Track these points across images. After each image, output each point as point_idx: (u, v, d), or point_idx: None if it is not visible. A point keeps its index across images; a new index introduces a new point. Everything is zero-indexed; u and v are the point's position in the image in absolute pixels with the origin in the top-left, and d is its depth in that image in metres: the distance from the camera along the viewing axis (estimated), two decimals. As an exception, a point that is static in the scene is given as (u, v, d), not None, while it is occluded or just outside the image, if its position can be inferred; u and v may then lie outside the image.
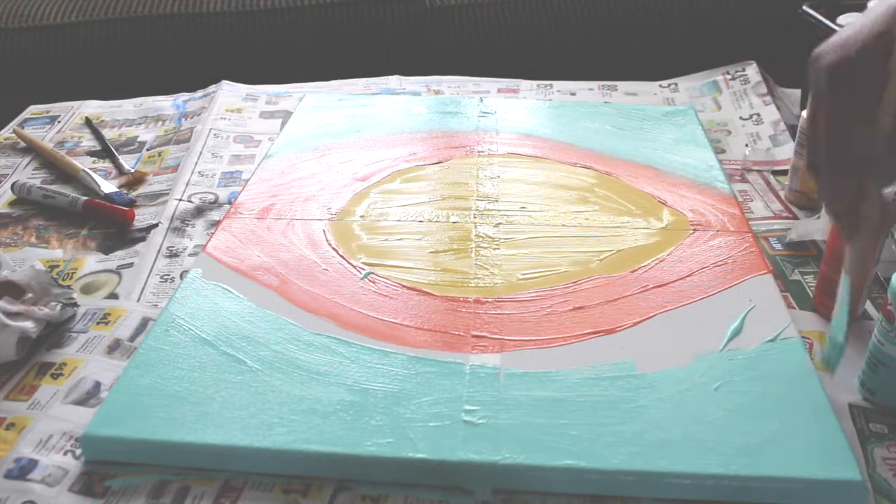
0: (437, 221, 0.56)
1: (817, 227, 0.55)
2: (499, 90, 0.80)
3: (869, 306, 0.48)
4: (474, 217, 0.57)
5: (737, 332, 0.44)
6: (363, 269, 0.51)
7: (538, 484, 0.36)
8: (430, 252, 0.52)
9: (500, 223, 0.56)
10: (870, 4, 0.65)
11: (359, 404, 0.39)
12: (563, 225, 0.56)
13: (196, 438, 0.37)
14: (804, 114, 0.57)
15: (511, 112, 0.73)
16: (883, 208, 0.36)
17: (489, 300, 0.48)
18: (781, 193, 0.61)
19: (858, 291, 0.39)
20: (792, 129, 0.67)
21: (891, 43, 0.32)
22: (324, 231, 0.55)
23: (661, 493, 0.36)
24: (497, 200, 0.59)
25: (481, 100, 0.75)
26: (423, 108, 0.73)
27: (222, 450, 0.37)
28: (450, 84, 0.81)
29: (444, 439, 0.37)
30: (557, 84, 0.80)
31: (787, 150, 0.66)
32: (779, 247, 0.55)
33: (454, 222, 0.56)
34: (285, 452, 0.37)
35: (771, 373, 0.41)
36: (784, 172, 0.63)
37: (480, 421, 0.38)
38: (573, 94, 0.79)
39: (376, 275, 0.50)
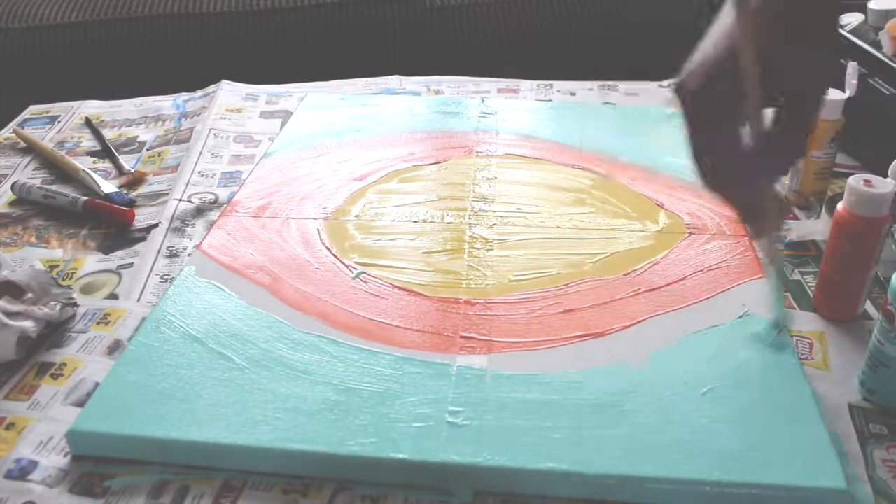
0: (431, 222, 0.56)
1: (817, 227, 0.55)
2: (499, 90, 0.80)
3: (869, 306, 0.47)
4: (469, 218, 0.56)
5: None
6: (355, 269, 0.51)
7: (519, 486, 0.36)
8: (423, 252, 0.52)
9: (494, 224, 0.56)
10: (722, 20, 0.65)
11: (344, 404, 0.39)
12: (558, 227, 0.55)
13: (181, 435, 0.37)
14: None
15: (512, 113, 0.73)
16: (779, 200, 0.40)
17: (479, 301, 0.47)
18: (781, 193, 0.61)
19: (780, 275, 0.44)
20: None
21: (734, 63, 0.34)
22: (318, 230, 0.55)
23: (643, 498, 0.36)
24: (493, 201, 0.59)
25: (482, 100, 0.75)
26: (423, 108, 0.74)
27: (206, 447, 0.37)
28: (450, 84, 0.81)
29: (426, 440, 0.37)
30: (557, 84, 0.80)
31: (787, 152, 0.65)
32: (779, 247, 0.54)
33: (449, 223, 0.56)
34: (269, 450, 0.37)
35: (760, 378, 0.41)
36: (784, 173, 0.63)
37: (464, 422, 0.38)
38: (573, 94, 0.79)
39: (368, 274, 0.50)
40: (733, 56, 0.34)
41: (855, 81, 0.61)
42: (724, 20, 0.36)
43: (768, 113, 0.36)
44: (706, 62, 0.35)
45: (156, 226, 0.58)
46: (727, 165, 0.37)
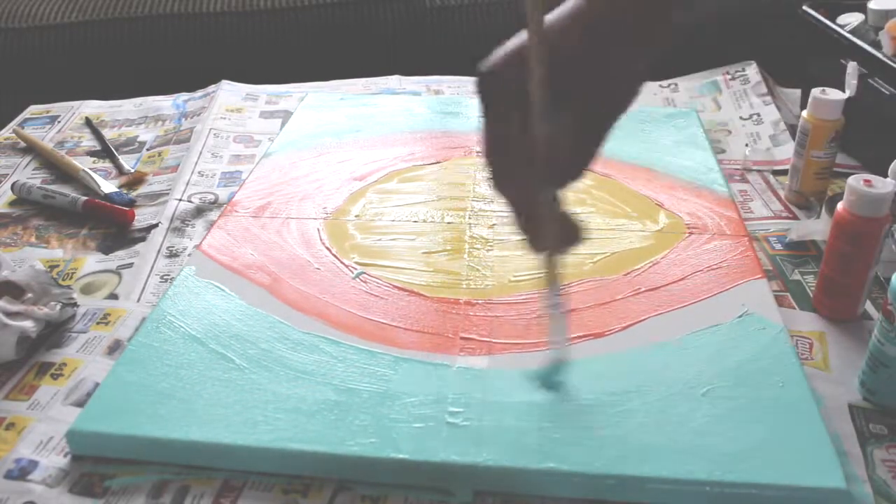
0: (431, 222, 0.56)
1: (817, 227, 0.55)
2: (499, 90, 0.80)
3: (869, 306, 0.47)
4: (469, 218, 0.56)
5: None
6: (355, 269, 0.51)
7: (519, 486, 0.36)
8: (423, 252, 0.52)
9: (494, 224, 0.56)
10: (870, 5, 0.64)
11: (344, 404, 0.39)
12: (558, 226, 0.55)
13: (180, 435, 0.37)
14: (804, 114, 0.57)
15: (510, 112, 0.72)
16: (558, 215, 0.35)
17: (480, 302, 0.47)
18: (781, 193, 0.61)
19: (556, 298, 0.38)
20: (792, 129, 0.67)
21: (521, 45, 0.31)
22: (318, 230, 0.55)
23: (643, 498, 0.36)
24: (493, 201, 0.59)
25: (481, 100, 0.75)
26: (423, 108, 0.73)
27: (206, 447, 0.37)
28: (450, 84, 0.81)
29: (426, 440, 0.37)
30: (558, 84, 0.80)
31: (787, 150, 0.65)
32: (779, 247, 0.54)
33: (449, 223, 0.56)
34: (269, 450, 0.37)
35: (760, 378, 0.41)
36: (784, 172, 0.63)
37: (464, 423, 0.38)
38: (573, 94, 0.78)
39: (368, 275, 0.50)
40: (521, 57, 0.31)
41: (855, 81, 0.61)
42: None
43: (560, 116, 0.32)
44: (506, 51, 0.32)
45: (156, 226, 0.58)
46: (505, 165, 0.34)
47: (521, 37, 0.32)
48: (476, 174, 0.62)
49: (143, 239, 0.56)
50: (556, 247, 0.36)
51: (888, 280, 0.39)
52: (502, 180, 0.34)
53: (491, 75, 0.32)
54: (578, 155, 0.34)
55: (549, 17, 0.32)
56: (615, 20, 0.31)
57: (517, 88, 0.32)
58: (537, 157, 0.33)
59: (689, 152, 0.65)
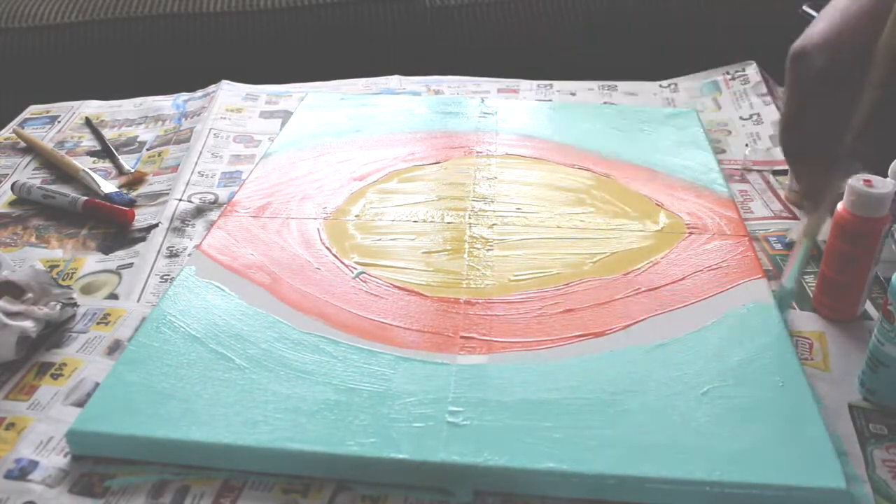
0: (431, 222, 0.56)
1: (818, 228, 0.55)
2: (499, 90, 0.80)
3: (869, 306, 0.47)
4: (469, 218, 0.56)
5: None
6: (355, 269, 0.51)
7: (520, 486, 0.36)
8: (423, 252, 0.52)
9: (494, 224, 0.56)
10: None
11: (344, 404, 0.39)
12: (558, 227, 0.55)
13: (180, 435, 0.37)
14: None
15: (512, 113, 0.73)
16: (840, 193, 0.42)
17: (479, 301, 0.47)
18: (781, 193, 0.61)
19: (811, 250, 0.45)
20: (793, 131, 0.67)
21: (871, 41, 0.33)
22: (318, 230, 0.55)
23: (643, 498, 0.36)
24: (493, 201, 0.59)
25: (482, 100, 0.75)
26: (423, 108, 0.73)
27: (206, 447, 0.37)
28: (450, 84, 0.81)
29: (427, 440, 0.37)
30: (557, 84, 0.80)
31: (787, 152, 0.65)
32: (779, 247, 0.54)
33: (449, 223, 0.56)
34: (269, 450, 0.37)
35: (760, 378, 0.41)
36: (784, 172, 0.63)
37: (464, 422, 0.38)
38: (573, 94, 0.79)
39: (368, 274, 0.50)
40: (868, 37, 0.33)
41: (855, 81, 0.61)
42: (852, 6, 0.34)
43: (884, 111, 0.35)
44: (838, 43, 0.34)
45: (156, 226, 0.58)
46: (820, 145, 0.37)
47: (845, 18, 0.34)
48: (476, 174, 0.62)
49: (143, 239, 0.56)
50: (827, 210, 0.42)
51: (888, 280, 0.39)
52: (807, 153, 0.38)
53: (826, 61, 0.34)
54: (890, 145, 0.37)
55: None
56: None
57: (850, 76, 0.34)
58: (853, 141, 0.35)
59: (689, 152, 0.65)
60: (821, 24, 0.35)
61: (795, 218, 0.58)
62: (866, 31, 0.33)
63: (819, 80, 0.34)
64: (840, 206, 0.44)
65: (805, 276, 0.51)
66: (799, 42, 0.35)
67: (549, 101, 0.77)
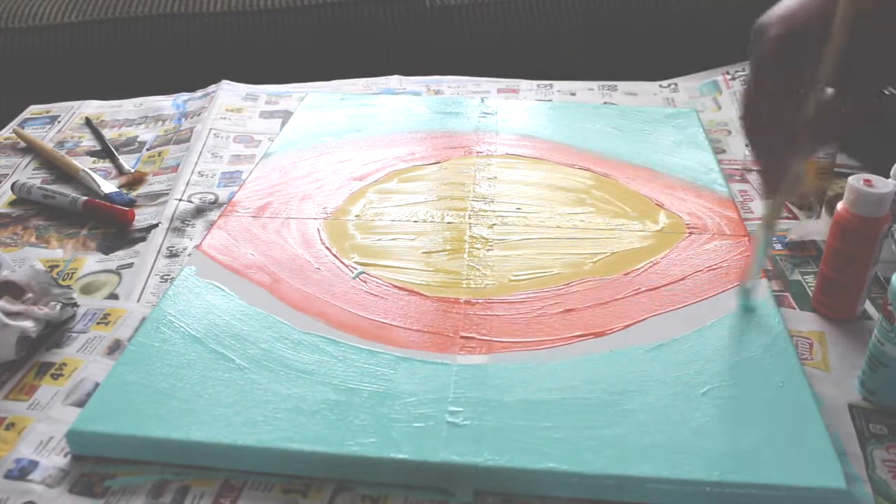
0: (431, 222, 0.56)
1: (817, 228, 0.55)
2: (499, 90, 0.80)
3: (869, 306, 0.47)
4: (469, 217, 0.56)
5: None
6: (355, 269, 0.51)
7: (519, 486, 0.36)
8: (423, 252, 0.52)
9: (494, 224, 0.56)
10: None
11: (344, 404, 0.39)
12: (558, 227, 0.55)
13: (181, 435, 0.37)
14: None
15: (512, 113, 0.73)
16: (801, 174, 0.41)
17: (479, 301, 0.47)
18: (781, 195, 0.61)
19: (769, 241, 0.45)
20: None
21: (831, 14, 0.34)
22: (318, 230, 0.55)
23: (643, 498, 0.36)
24: (493, 201, 0.59)
25: (482, 100, 0.75)
26: (423, 108, 0.74)
27: (206, 447, 0.37)
28: (450, 84, 0.81)
29: (427, 440, 0.37)
30: (557, 84, 0.80)
31: (787, 152, 0.65)
32: (779, 247, 0.54)
33: (449, 223, 0.56)
34: (269, 450, 0.37)
35: (760, 378, 0.41)
36: (784, 174, 0.62)
37: (464, 422, 0.38)
38: (573, 94, 0.79)
39: (368, 274, 0.50)
40: (824, 17, 0.33)
41: (855, 81, 0.61)
42: None
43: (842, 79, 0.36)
44: (794, 14, 0.35)
45: (156, 226, 0.58)
46: (776, 119, 0.37)
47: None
48: (476, 174, 0.62)
49: (143, 239, 0.56)
50: (789, 196, 0.42)
51: (888, 280, 0.39)
52: (762, 131, 0.38)
53: (782, 32, 0.35)
54: (853, 117, 0.37)
55: None
56: None
57: (804, 51, 0.34)
58: (809, 118, 0.36)
59: (689, 152, 0.65)
60: (783, 2, 0.36)
61: (796, 218, 0.58)
62: (827, 4, 0.34)
63: (776, 48, 0.35)
64: (840, 205, 0.44)
65: (805, 276, 0.51)
66: (761, 18, 0.36)
67: (549, 101, 0.77)
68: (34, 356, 0.45)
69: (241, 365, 0.42)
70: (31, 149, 0.69)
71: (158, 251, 0.55)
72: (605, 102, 0.76)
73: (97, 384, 0.42)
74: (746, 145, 0.67)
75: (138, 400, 0.40)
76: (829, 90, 0.36)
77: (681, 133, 0.68)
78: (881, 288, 0.49)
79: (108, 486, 0.37)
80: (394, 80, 0.82)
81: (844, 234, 0.44)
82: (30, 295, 0.47)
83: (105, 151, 0.69)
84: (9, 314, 0.44)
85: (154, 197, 0.62)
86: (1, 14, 0.89)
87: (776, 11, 0.36)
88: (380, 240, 0.54)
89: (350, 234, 0.55)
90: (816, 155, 0.43)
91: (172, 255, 0.55)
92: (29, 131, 0.72)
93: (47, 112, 0.77)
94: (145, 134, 0.72)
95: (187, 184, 0.63)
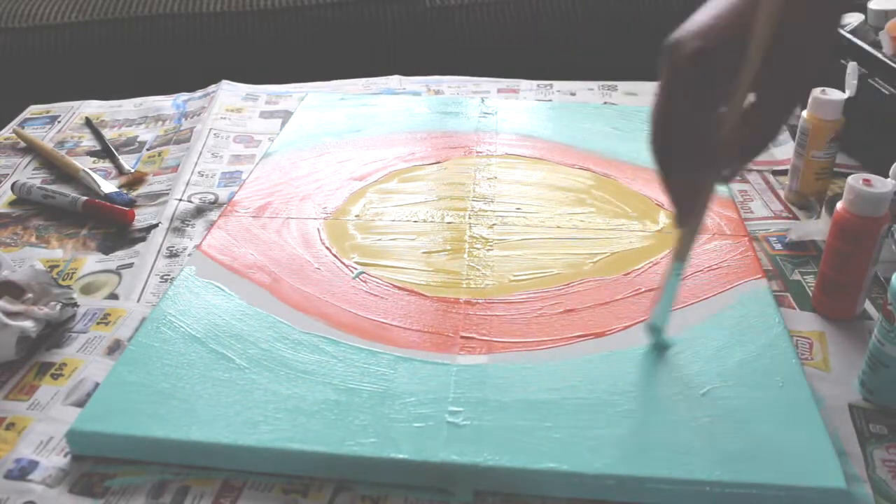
0: (431, 222, 0.56)
1: (817, 227, 0.55)
2: (499, 90, 0.80)
3: (869, 306, 0.47)
4: (469, 218, 0.56)
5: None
6: (355, 269, 0.51)
7: (520, 486, 0.36)
8: (423, 252, 0.52)
9: (494, 224, 0.56)
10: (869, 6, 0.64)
11: (344, 404, 0.39)
12: (558, 227, 0.55)
13: (181, 435, 0.37)
14: (804, 114, 0.57)
15: (512, 113, 0.73)
16: (711, 198, 0.38)
17: (480, 301, 0.47)
18: (781, 193, 0.61)
19: (680, 274, 0.41)
20: (792, 129, 0.67)
21: (746, 30, 0.32)
22: (318, 230, 0.55)
23: (643, 498, 0.36)
24: (493, 201, 0.59)
25: (482, 100, 0.75)
26: (423, 108, 0.74)
27: (206, 447, 0.37)
28: (450, 84, 0.81)
29: (427, 440, 0.37)
30: (557, 84, 0.80)
31: (787, 150, 0.65)
32: (779, 247, 0.54)
33: (449, 223, 0.56)
34: (269, 450, 0.37)
35: (760, 378, 0.41)
36: (784, 172, 0.63)
37: (464, 422, 0.38)
38: (573, 94, 0.79)
39: (368, 274, 0.50)
40: (742, 26, 0.32)
41: (855, 81, 0.61)
42: None
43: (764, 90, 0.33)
44: (710, 28, 0.32)
45: (156, 226, 0.58)
46: (688, 140, 0.34)
47: (719, 5, 0.33)
48: (476, 174, 0.62)
49: (143, 239, 0.56)
50: (699, 224, 0.38)
51: (888, 280, 0.39)
52: (665, 157, 0.35)
53: (708, 51, 0.32)
54: (772, 128, 0.34)
55: None
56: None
57: (730, 68, 0.32)
58: (728, 132, 0.33)
59: (689, 152, 0.65)
60: (696, 16, 0.34)
61: (796, 218, 0.58)
62: (742, 15, 0.32)
63: (689, 64, 0.32)
64: (840, 205, 0.44)
65: (805, 276, 0.51)
66: (673, 34, 0.33)
67: (549, 101, 0.77)
68: (34, 356, 0.45)
69: (241, 365, 0.42)
70: (31, 149, 0.69)
71: (158, 251, 0.55)
72: (605, 102, 0.76)
73: (97, 384, 0.42)
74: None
75: (138, 400, 0.40)
76: (749, 101, 0.34)
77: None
78: (881, 288, 0.49)
79: (108, 486, 0.37)
80: (394, 80, 0.82)
81: (844, 233, 0.44)
82: (30, 295, 0.47)
83: (105, 151, 0.69)
84: (9, 314, 0.44)
85: (154, 197, 0.62)
86: (1, 14, 0.90)
87: (690, 26, 0.33)
88: (380, 240, 0.54)
89: (350, 234, 0.55)
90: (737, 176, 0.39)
91: (172, 255, 0.55)
92: (29, 131, 0.72)
93: (47, 112, 0.77)
94: (145, 134, 0.72)
95: (187, 184, 0.63)
